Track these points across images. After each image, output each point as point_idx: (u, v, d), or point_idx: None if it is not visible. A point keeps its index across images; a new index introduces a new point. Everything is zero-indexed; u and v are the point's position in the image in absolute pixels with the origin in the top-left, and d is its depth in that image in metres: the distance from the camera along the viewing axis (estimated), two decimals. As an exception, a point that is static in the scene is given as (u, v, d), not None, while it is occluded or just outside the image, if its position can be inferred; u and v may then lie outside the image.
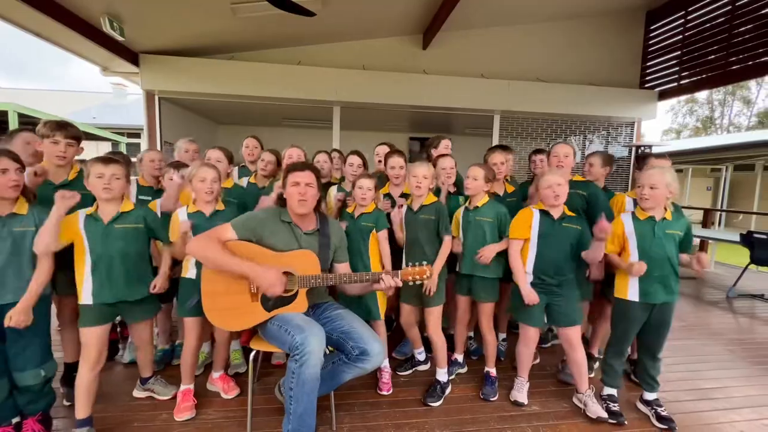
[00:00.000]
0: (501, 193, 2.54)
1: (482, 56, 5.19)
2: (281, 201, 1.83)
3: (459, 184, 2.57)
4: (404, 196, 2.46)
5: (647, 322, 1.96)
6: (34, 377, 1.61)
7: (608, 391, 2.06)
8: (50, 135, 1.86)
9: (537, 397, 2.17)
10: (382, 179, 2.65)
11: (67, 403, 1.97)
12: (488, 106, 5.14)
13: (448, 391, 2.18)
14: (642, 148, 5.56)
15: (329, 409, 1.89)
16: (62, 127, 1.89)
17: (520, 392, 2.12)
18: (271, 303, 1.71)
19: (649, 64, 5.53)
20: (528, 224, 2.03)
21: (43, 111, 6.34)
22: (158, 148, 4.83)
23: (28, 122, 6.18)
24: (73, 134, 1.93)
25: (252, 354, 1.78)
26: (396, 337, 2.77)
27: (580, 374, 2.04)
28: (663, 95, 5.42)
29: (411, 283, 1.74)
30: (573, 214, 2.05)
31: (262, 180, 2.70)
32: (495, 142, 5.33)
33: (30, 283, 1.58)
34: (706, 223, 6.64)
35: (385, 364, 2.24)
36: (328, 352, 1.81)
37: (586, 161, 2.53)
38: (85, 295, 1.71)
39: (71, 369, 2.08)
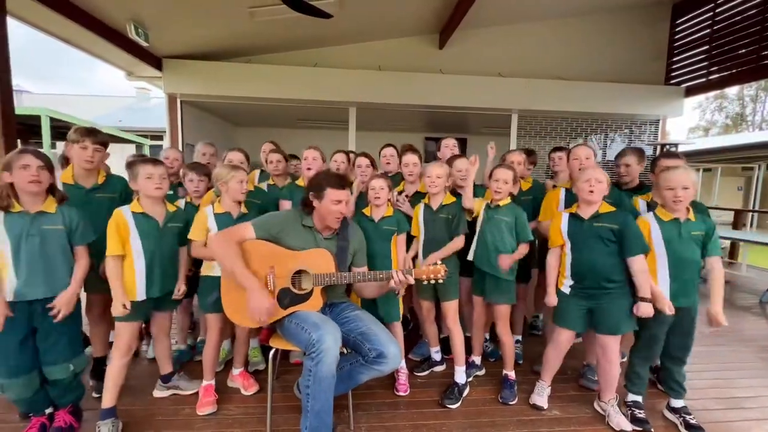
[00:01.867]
0: (515, 192, 2.49)
1: (499, 54, 5.13)
2: (308, 207, 1.84)
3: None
4: (420, 194, 2.46)
5: (672, 325, 1.89)
6: (63, 371, 1.67)
7: (633, 397, 1.99)
8: (80, 140, 1.94)
9: (557, 402, 2.12)
10: (397, 179, 2.66)
11: (96, 395, 2.04)
12: (506, 105, 5.07)
13: (465, 392, 2.16)
14: (667, 146, 5.37)
15: (347, 409, 1.89)
16: (91, 133, 1.97)
17: (541, 396, 2.08)
18: (286, 301, 1.73)
19: (675, 59, 5.33)
20: (558, 229, 1.99)
21: (72, 115, 6.61)
22: (180, 149, 4.98)
23: (59, 126, 6.47)
24: (101, 140, 2.00)
25: (271, 352, 1.80)
26: (412, 337, 2.76)
27: (608, 386, 1.97)
28: (690, 91, 5.22)
29: (425, 283, 1.74)
30: (611, 209, 1.90)
31: (280, 180, 2.74)
32: (513, 141, 5.26)
33: (74, 276, 1.69)
34: (737, 225, 6.37)
35: (402, 364, 2.24)
36: (345, 352, 1.83)
37: (620, 162, 2.40)
38: (139, 293, 1.79)
39: (100, 363, 2.17)
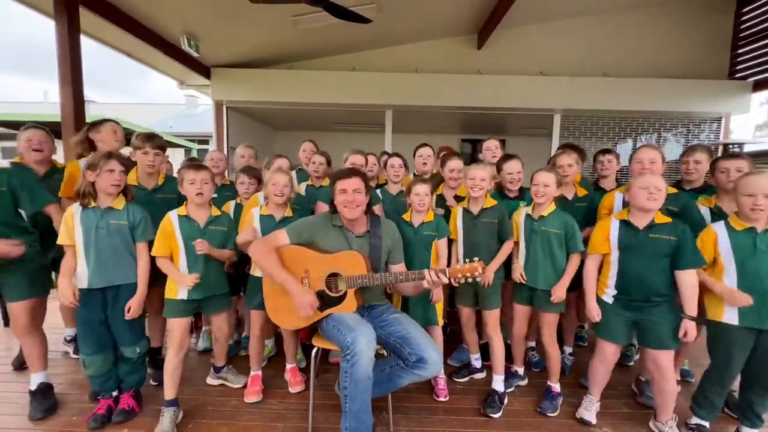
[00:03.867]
0: (570, 197, 2.36)
1: (541, 53, 4.96)
2: (332, 207, 1.88)
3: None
4: (458, 198, 2.42)
5: (754, 348, 1.71)
6: (131, 352, 1.88)
7: (697, 420, 1.84)
8: (141, 146, 2.09)
9: (607, 419, 1.99)
10: (434, 180, 2.63)
11: (154, 383, 2.21)
12: (548, 105, 4.90)
13: (506, 402, 2.09)
14: (731, 146, 4.92)
15: (386, 411, 1.90)
16: (150, 138, 2.13)
17: (589, 411, 1.97)
18: (321, 303, 1.77)
19: (740, 51, 4.88)
20: (605, 236, 1.85)
21: (131, 122, 7.19)
22: (225, 152, 5.25)
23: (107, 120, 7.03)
24: (159, 144, 2.16)
25: (313, 351, 1.85)
26: (451, 343, 2.72)
27: (664, 404, 1.82)
28: (758, 86, 4.76)
29: (462, 281, 1.65)
30: (668, 220, 1.77)
31: (317, 182, 2.80)
32: (555, 142, 5.06)
33: (138, 277, 1.85)
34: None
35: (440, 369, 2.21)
36: (385, 354, 1.84)
37: (688, 159, 2.20)
38: (180, 292, 1.91)
39: (156, 353, 2.33)
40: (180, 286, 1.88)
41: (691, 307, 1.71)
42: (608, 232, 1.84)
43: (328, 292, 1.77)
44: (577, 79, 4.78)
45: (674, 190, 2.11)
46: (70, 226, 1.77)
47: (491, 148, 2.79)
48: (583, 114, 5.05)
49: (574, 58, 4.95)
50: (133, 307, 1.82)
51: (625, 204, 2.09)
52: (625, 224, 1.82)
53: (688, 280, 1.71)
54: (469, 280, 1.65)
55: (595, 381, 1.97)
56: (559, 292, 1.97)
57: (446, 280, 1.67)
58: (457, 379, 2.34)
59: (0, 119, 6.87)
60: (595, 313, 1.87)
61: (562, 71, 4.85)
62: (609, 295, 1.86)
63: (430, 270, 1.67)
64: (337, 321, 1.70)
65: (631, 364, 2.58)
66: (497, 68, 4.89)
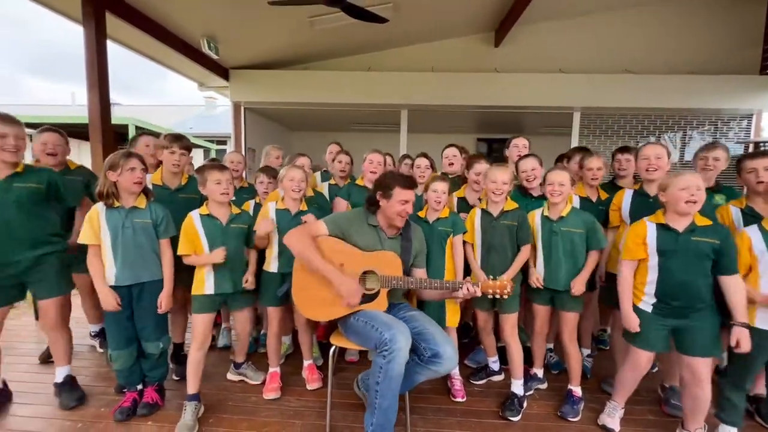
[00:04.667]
0: (594, 199, 2.33)
1: (560, 50, 4.86)
2: (373, 206, 1.88)
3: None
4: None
5: None
6: (154, 348, 1.93)
7: (727, 429, 1.76)
8: (168, 146, 2.16)
9: (632, 426, 1.93)
10: (456, 182, 2.61)
11: (176, 378, 2.26)
12: (567, 103, 4.79)
13: (525, 405, 2.06)
14: (762, 144, 4.71)
15: (404, 411, 1.89)
16: (178, 139, 2.19)
17: (612, 417, 1.91)
18: None
19: (773, 45, 4.66)
20: (641, 241, 1.72)
21: (153, 123, 7.41)
22: (242, 153, 5.34)
23: (143, 133, 7.25)
24: (186, 145, 2.22)
25: (331, 349, 1.86)
26: (469, 344, 2.69)
27: (694, 413, 1.74)
28: (793, 81, 4.53)
29: (490, 296, 1.73)
30: (708, 223, 1.65)
31: (341, 181, 2.83)
32: (574, 141, 4.95)
33: (164, 273, 1.91)
34: None
35: (456, 371, 2.19)
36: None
37: (707, 155, 2.14)
38: (207, 287, 1.95)
39: (178, 348, 2.39)
40: (215, 261, 1.91)
41: (742, 313, 1.58)
42: (644, 236, 1.73)
43: (361, 288, 1.78)
44: (598, 76, 4.66)
45: None
46: (96, 225, 1.80)
47: (519, 146, 2.69)
48: (604, 112, 4.92)
49: (595, 54, 4.83)
50: (164, 302, 1.89)
51: (635, 200, 2.06)
52: (662, 227, 1.71)
53: (736, 284, 1.60)
54: (497, 295, 1.71)
55: (622, 388, 1.90)
56: (579, 286, 1.95)
57: (479, 294, 1.72)
58: (474, 381, 2.31)
59: (30, 122, 7.18)
60: (635, 323, 1.74)
61: (582, 68, 4.74)
62: (647, 303, 1.75)
63: (464, 283, 1.71)
64: (370, 317, 1.70)
65: (655, 370, 2.49)
66: (515, 66, 4.81)
